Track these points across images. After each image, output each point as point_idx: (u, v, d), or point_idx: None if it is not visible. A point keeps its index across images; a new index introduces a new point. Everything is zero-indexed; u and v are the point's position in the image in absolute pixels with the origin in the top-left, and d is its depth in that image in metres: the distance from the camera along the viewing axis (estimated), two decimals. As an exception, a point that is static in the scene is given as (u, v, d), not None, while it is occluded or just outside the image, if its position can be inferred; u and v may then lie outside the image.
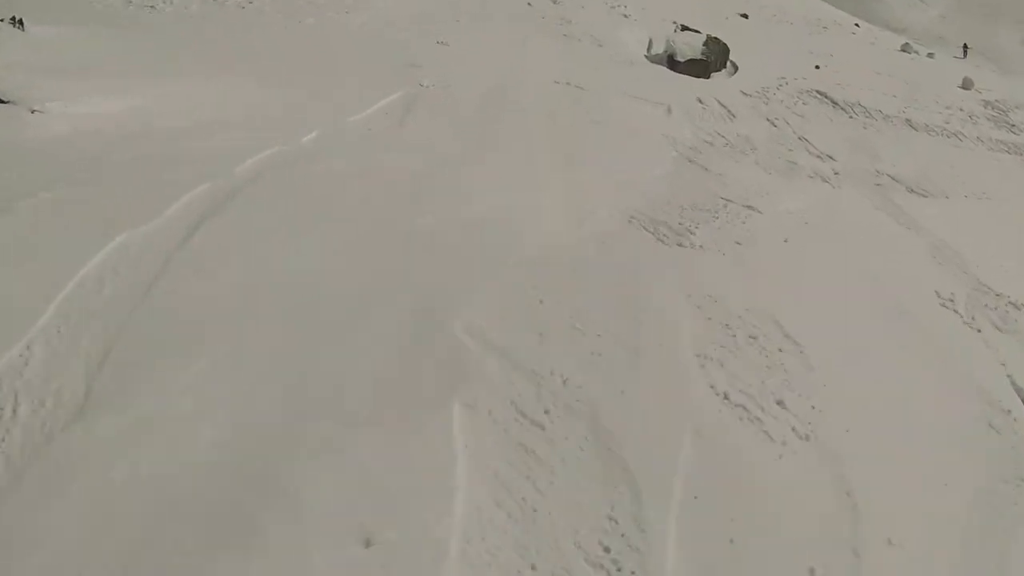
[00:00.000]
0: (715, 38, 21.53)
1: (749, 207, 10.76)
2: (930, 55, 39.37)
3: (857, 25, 44.83)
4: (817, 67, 24.72)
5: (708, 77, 20.88)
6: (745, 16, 33.49)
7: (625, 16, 23.84)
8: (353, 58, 14.81)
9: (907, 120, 19.49)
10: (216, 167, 8.11)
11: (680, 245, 8.41)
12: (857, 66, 26.58)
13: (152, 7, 17.43)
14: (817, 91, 21.20)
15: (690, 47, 20.61)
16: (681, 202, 9.93)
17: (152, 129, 9.40)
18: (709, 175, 12.43)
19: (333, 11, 18.13)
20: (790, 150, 16.28)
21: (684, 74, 20.13)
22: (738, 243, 8.82)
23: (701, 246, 8.47)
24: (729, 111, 17.63)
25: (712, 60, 20.87)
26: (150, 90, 11.05)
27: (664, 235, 8.57)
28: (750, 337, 6.67)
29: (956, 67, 36.35)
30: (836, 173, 15.33)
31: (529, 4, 22.59)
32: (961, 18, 59.80)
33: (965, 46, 46.93)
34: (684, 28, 21.98)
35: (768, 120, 18.16)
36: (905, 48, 39.25)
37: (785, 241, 9.47)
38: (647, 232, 8.63)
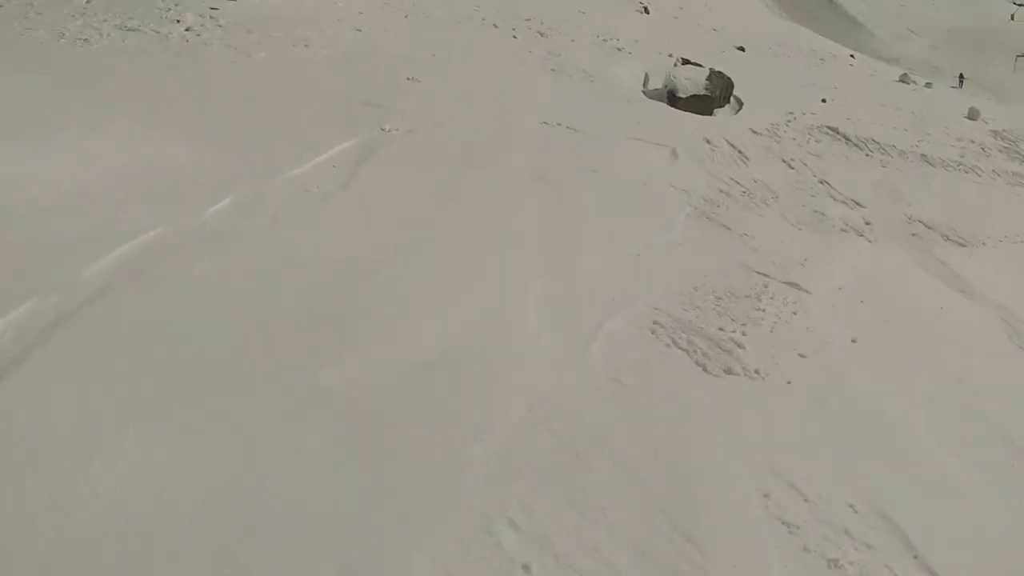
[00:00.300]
0: (719, 72, 19.31)
1: (793, 285, 8.37)
2: (928, 85, 38.01)
3: (852, 56, 43.23)
4: (824, 101, 22.83)
5: (712, 114, 18.62)
6: (742, 49, 31.46)
7: (618, 49, 21.61)
8: (305, 98, 12.42)
9: (922, 155, 17.93)
10: (55, 271, 5.58)
11: (729, 372, 5.92)
12: (862, 99, 24.97)
13: (85, 40, 15.05)
14: (828, 127, 19.19)
15: (692, 82, 18.34)
16: (713, 286, 7.52)
17: (12, 205, 6.91)
18: (733, 237, 10.03)
19: (290, 44, 15.77)
20: (813, 196, 14.03)
21: (686, 111, 17.83)
22: (801, 355, 6.37)
23: (757, 371, 5.98)
24: (741, 152, 15.31)
25: (716, 96, 18.59)
26: (40, 150, 8.62)
27: (705, 355, 6.07)
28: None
29: (957, 97, 34.94)
30: (868, 223, 13.23)
31: (514, 37, 20.32)
32: (952, 47, 58.31)
33: (961, 75, 45.29)
34: (686, 62, 19.71)
35: (784, 161, 15.88)
36: (903, 79, 37.87)
37: (853, 342, 7.06)
38: (680, 350, 6.13)
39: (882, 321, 8.35)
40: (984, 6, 71.19)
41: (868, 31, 55.22)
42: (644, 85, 19.82)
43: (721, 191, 12.38)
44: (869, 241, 12.27)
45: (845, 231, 12.49)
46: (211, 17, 17.33)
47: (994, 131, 20.68)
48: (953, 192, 15.78)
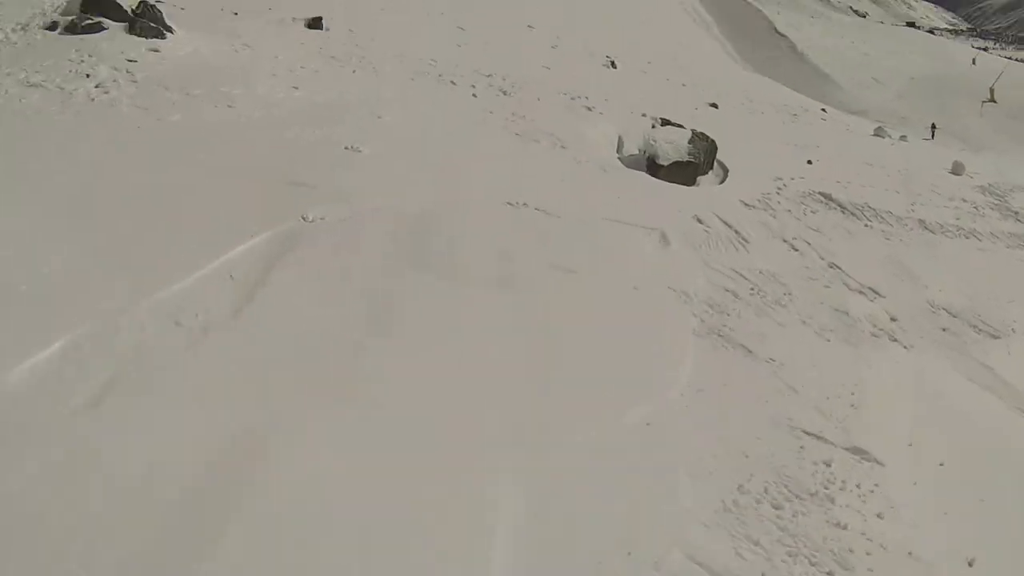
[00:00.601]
0: (702, 134, 17.19)
1: (860, 453, 6.01)
2: (903, 138, 37.15)
3: (824, 110, 42.08)
4: (809, 162, 21.05)
5: (695, 183, 16.43)
6: (715, 106, 29.66)
7: (588, 109, 19.45)
8: (214, 175, 9.91)
9: (920, 221, 16.76)
10: None
11: None
12: (845, 158, 23.69)
13: (-32, 101, 12.46)
14: (820, 193, 17.48)
15: (674, 146, 16.16)
16: (764, 481, 5.10)
17: None
18: (758, 365, 7.68)
19: (211, 104, 13.28)
20: (827, 286, 11.95)
21: (668, 181, 15.59)
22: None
23: None
24: (738, 233, 13.07)
25: (700, 161, 16.41)
26: None
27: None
28: None
29: (934, 150, 34.04)
30: (894, 319, 11.42)
31: (474, 96, 18.05)
32: (917, 96, 57.72)
33: (933, 126, 44.38)
34: (665, 122, 17.56)
35: (786, 242, 13.74)
36: (878, 132, 36.99)
37: (970, 565, 4.68)
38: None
39: (978, 501, 5.98)
40: (947, 52, 71.36)
41: (834, 82, 54.33)
42: (619, 150, 17.63)
43: (727, 290, 10.04)
44: (904, 347, 10.42)
45: (876, 335, 10.39)
46: (127, 71, 14.83)
47: (981, 187, 20.24)
48: (961, 264, 14.70)
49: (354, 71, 18.03)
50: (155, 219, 8.25)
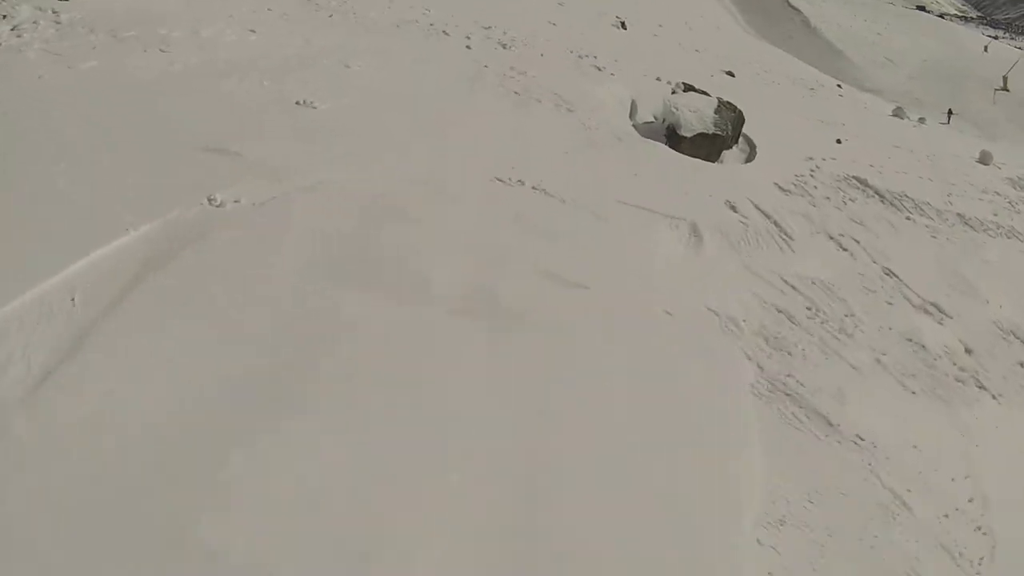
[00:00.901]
0: (728, 103, 14.36)
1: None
2: (921, 120, 33.66)
3: (839, 86, 39.07)
4: (839, 141, 18.22)
5: (719, 159, 13.67)
6: (731, 74, 26.69)
7: (598, 68, 16.56)
8: (107, 140, 7.10)
9: (959, 215, 14.51)
10: None
11: None
12: (872, 138, 21.10)
13: None
14: (855, 178, 14.89)
15: (698, 116, 13.35)
16: None
17: None
18: (847, 451, 5.03)
19: (140, 49, 10.46)
20: (889, 303, 9.47)
21: (689, 155, 12.82)
22: None
23: None
24: (779, 227, 10.40)
25: (728, 135, 13.64)
26: None
27: None
28: None
29: (956, 136, 31.43)
30: (969, 351, 9.34)
31: (468, 48, 15.12)
32: (929, 79, 54.53)
33: (950, 111, 41.34)
34: (687, 87, 14.71)
35: (832, 239, 11.15)
36: (897, 113, 34.29)
37: None
38: None
39: None
40: (958, 37, 68.02)
41: (847, 59, 51.06)
42: (631, 116, 14.81)
43: (779, 310, 7.39)
44: (994, 397, 7.92)
45: (960, 379, 7.96)
46: (52, 11, 11.97)
47: (1010, 179, 18.42)
48: (1012, 270, 12.76)
49: (331, 15, 15.09)
50: (27, 204, 5.51)
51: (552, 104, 12.81)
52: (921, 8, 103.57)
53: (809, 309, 7.80)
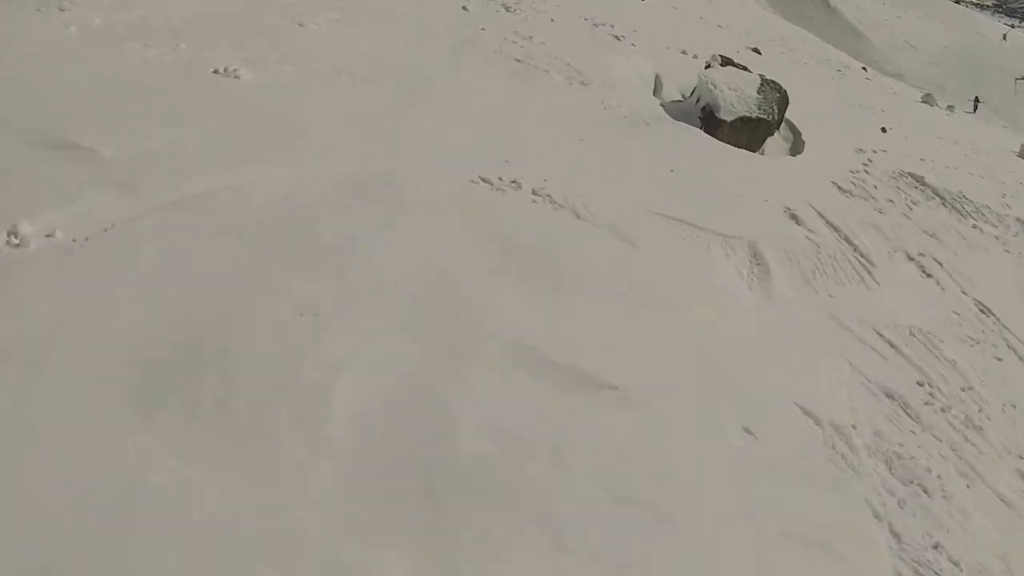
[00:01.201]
0: (772, 82, 11.56)
1: None
2: (950, 108, 31.38)
3: (864, 69, 36.12)
4: (884, 130, 15.51)
5: (761, 148, 10.95)
6: (757, 51, 23.74)
7: (616, 38, 13.72)
8: None
9: (1019, 220, 12.21)
10: None
11: None
12: (912, 127, 18.74)
13: None
14: (911, 175, 12.64)
15: (739, 95, 10.60)
16: None
17: None
18: None
19: (34, 7, 7.70)
20: (999, 359, 6.61)
21: (729, 143, 10.10)
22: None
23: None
24: (852, 245, 7.72)
25: (774, 119, 10.89)
26: None
27: None
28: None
29: (989, 126, 28.95)
30: None
31: (464, 9, 12.28)
32: (950, 65, 51.44)
33: (976, 99, 38.54)
34: (725, 61, 11.89)
35: (913, 260, 8.49)
36: (927, 100, 31.88)
37: None
38: None
39: None
40: (977, 25, 64.58)
41: (868, 40, 48.01)
42: (655, 92, 12.05)
43: (889, 394, 4.70)
44: None
45: None
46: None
47: None
48: None
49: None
50: None
51: (562, 76, 10.04)
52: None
53: (922, 385, 5.15)
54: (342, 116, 6.25)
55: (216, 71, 6.93)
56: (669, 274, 5.13)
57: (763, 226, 6.79)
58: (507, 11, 13.33)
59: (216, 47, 7.53)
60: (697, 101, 10.69)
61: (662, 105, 10.92)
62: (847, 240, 7.93)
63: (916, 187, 12.03)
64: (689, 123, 10.42)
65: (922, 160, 13.60)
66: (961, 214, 11.73)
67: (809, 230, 7.56)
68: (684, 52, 15.89)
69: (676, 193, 6.68)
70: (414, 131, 6.25)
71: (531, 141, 6.68)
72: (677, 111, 10.92)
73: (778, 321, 5.19)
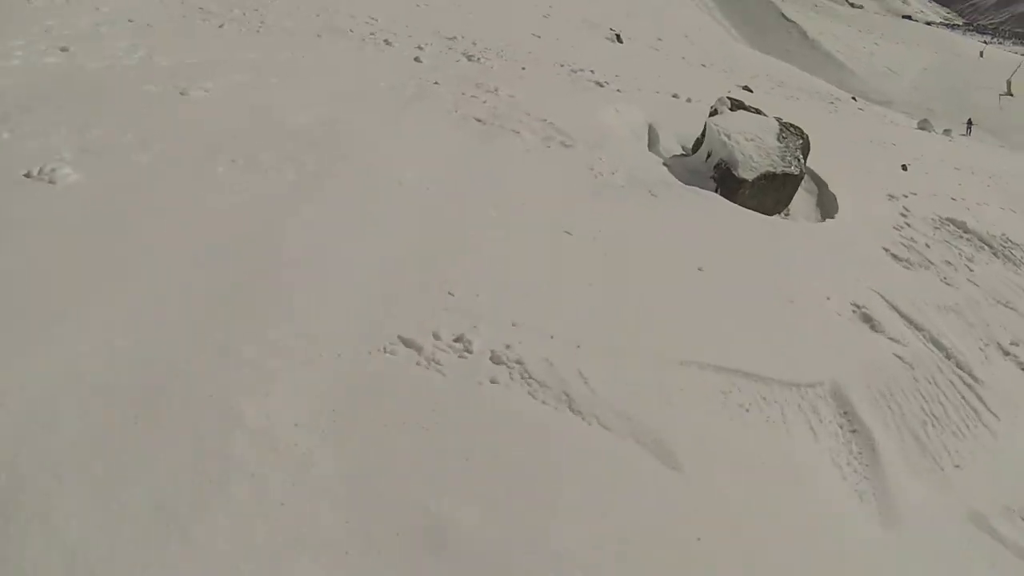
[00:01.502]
0: (791, 126, 9.34)
1: None
2: (946, 132, 29.68)
3: (855, 99, 34.70)
4: (904, 168, 13.56)
5: (785, 212, 8.71)
6: (749, 89, 21.86)
7: (599, 84, 11.48)
8: None
9: None
10: None
11: None
12: (930, 161, 15.88)
13: None
14: (951, 221, 10.27)
15: (756, 145, 8.35)
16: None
17: None
18: None
19: None
20: None
21: (750, 207, 7.80)
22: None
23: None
24: (939, 346, 5.46)
25: (799, 171, 8.64)
26: None
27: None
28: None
29: (998, 151, 27.16)
30: None
31: (417, 60, 10.09)
32: (931, 87, 50.13)
33: (969, 121, 36.94)
34: (736, 105, 9.64)
35: (1009, 356, 6.03)
36: (923, 126, 29.34)
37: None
38: None
39: None
40: (953, 45, 63.67)
41: (849, 70, 46.50)
42: (651, 146, 9.83)
43: None
44: None
45: None
46: None
47: None
48: None
49: (221, 25, 10.03)
50: None
51: (537, 136, 7.72)
52: (907, 17, 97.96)
53: None
54: (192, 236, 3.88)
55: (29, 174, 4.58)
56: (730, 513, 2.72)
57: (841, 352, 4.39)
58: (469, 60, 11.10)
59: (49, 133, 5.19)
60: (708, 157, 8.39)
61: (665, 164, 8.62)
62: (937, 345, 5.56)
63: (962, 236, 10.26)
64: (700, 184, 8.12)
65: (953, 200, 11.86)
66: (1015, 264, 9.77)
67: (892, 339, 5.17)
68: (676, 96, 13.76)
69: (714, 316, 4.29)
70: (300, 251, 3.89)
71: (489, 253, 4.31)
72: (682, 170, 8.62)
73: (910, 560, 2.79)
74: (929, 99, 45.20)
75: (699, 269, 4.96)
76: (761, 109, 9.67)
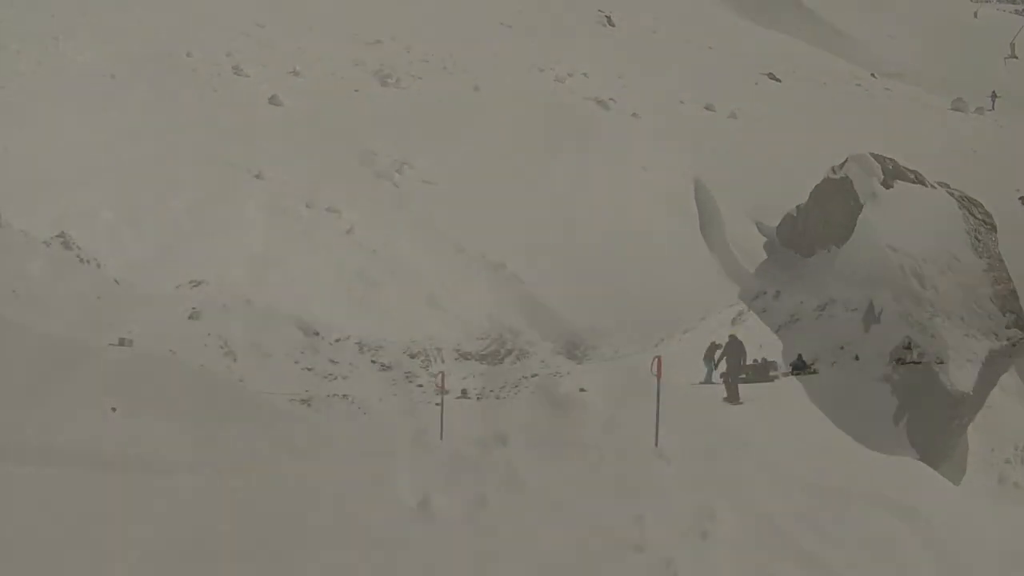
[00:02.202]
0: (968, 199, 4.37)
1: None
2: (979, 110, 26.76)
3: (873, 75, 30.13)
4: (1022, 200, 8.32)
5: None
6: (776, 78, 17.09)
7: (601, 104, 6.55)
8: None
9: None
10: None
11: None
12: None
13: None
14: None
15: (959, 282, 3.58)
16: None
17: None
18: None
19: None
20: None
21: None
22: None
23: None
24: None
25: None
26: None
27: None
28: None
29: None
30: None
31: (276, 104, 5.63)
32: (934, 53, 44.62)
33: (994, 94, 31.78)
34: (895, 171, 4.70)
35: None
36: (957, 106, 26.27)
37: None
38: None
39: None
40: (943, 6, 58.47)
41: (853, 39, 41.22)
42: (705, 230, 4.85)
43: None
44: None
45: None
46: None
47: None
48: None
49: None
50: None
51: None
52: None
53: None
54: None
55: None
56: None
57: None
58: (383, 85, 6.17)
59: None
60: (869, 308, 3.56)
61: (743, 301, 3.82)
62: None
63: None
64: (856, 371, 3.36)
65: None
66: None
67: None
68: (710, 107, 8.95)
69: None
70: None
71: None
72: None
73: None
74: (938, 68, 39.81)
75: None
76: (921, 174, 4.80)
